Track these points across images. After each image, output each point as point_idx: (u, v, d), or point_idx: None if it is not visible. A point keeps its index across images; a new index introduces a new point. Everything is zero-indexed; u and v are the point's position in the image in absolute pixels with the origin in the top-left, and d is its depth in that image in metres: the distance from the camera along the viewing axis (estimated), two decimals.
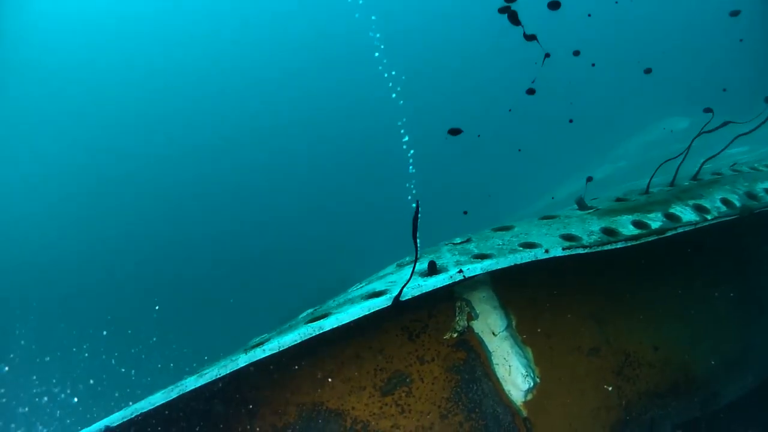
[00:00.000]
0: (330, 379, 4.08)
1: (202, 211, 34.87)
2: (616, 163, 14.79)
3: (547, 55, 4.98)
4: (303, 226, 32.84)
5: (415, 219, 3.04)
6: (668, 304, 4.46)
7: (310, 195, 35.73)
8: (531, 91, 5.52)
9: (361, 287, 4.07)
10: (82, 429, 3.30)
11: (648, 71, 7.68)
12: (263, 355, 3.19)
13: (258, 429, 3.98)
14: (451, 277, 3.24)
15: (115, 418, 3.26)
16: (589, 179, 5.39)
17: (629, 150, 15.19)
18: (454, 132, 4.74)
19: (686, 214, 3.96)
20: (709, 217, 3.99)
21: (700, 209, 4.06)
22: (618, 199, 4.56)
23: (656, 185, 4.89)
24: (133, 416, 3.26)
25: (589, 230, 3.69)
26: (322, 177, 37.12)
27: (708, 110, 5.00)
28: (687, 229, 3.82)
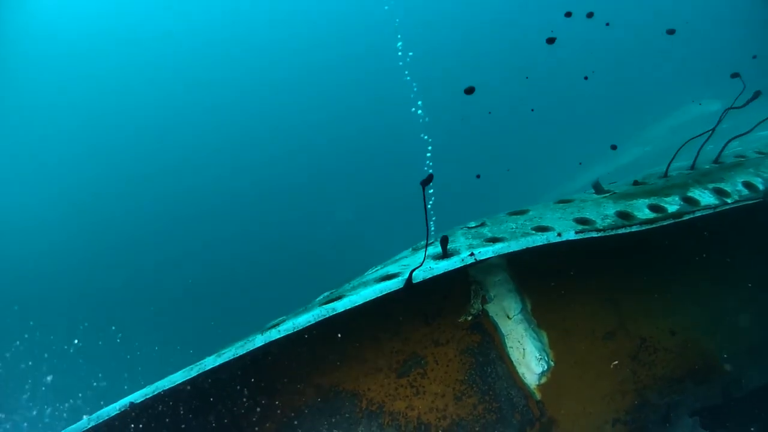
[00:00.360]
0: (347, 361, 4.16)
1: (223, 210, 35.08)
2: (644, 146, 14.52)
3: (568, 14, 4.88)
4: (326, 216, 33.03)
5: (426, 182, 3.03)
6: (687, 288, 4.40)
7: (332, 185, 35.66)
8: (551, 41, 5.39)
9: (376, 270, 4.12)
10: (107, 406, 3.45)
11: (671, 32, 7.45)
12: (278, 336, 3.28)
13: (277, 408, 4.09)
14: (462, 260, 3.27)
15: (138, 396, 3.39)
16: (614, 147, 5.30)
17: (657, 133, 14.89)
18: (469, 91, 4.70)
19: (705, 197, 3.89)
20: (729, 201, 3.92)
21: (720, 193, 3.98)
22: (636, 183, 4.50)
23: (680, 169, 4.81)
24: (155, 393, 3.39)
25: (603, 214, 3.67)
26: (345, 167, 36.87)
27: (735, 75, 4.79)
28: (705, 212, 3.76)
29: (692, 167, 4.66)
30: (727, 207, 3.90)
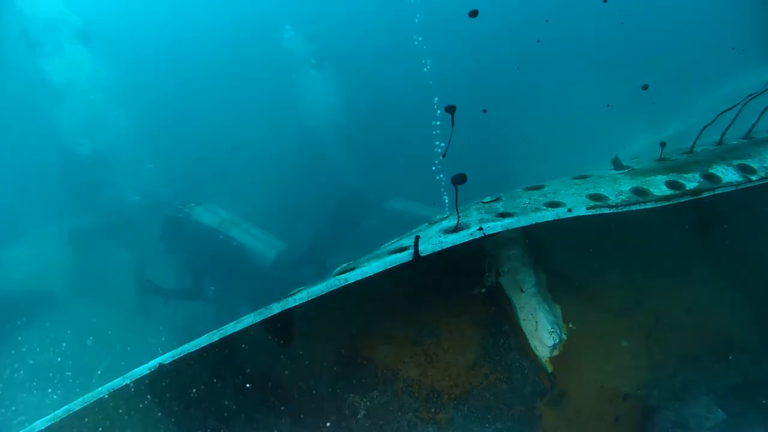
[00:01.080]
0: (364, 329, 4.33)
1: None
2: (687, 120, 13.95)
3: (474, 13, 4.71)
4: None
5: (450, 108, 2.99)
6: (708, 266, 4.35)
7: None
8: (474, 14, 5.18)
9: (392, 243, 4.23)
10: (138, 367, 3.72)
11: None
12: (294, 304, 3.43)
13: (297, 373, 4.30)
14: (471, 234, 3.33)
15: (167, 357, 3.64)
16: (645, 87, 5.11)
17: (702, 106, 14.26)
18: (473, 14, 4.61)
19: (728, 174, 3.79)
20: (753, 178, 3.81)
21: (744, 169, 3.87)
22: (658, 159, 4.42)
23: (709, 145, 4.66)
24: (182, 355, 3.62)
25: (618, 190, 3.64)
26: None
27: None
28: (726, 190, 3.67)
29: (719, 142, 4.52)
30: (752, 184, 3.79)
